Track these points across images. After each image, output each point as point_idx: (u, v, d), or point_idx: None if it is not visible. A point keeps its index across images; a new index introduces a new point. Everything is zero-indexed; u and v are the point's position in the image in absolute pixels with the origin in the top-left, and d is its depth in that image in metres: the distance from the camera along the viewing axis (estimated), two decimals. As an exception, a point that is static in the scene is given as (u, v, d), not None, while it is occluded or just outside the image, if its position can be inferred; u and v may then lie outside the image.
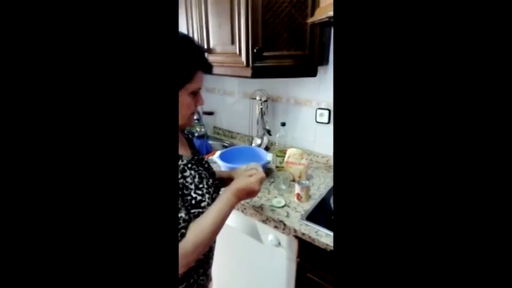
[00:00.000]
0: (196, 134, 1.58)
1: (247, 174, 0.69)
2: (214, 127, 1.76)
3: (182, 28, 1.26)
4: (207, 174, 0.69)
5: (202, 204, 0.62)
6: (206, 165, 0.74)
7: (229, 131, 1.68)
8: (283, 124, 1.21)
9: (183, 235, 0.54)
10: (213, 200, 0.65)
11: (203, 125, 1.63)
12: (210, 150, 1.48)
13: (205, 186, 0.65)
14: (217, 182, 0.75)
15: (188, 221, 0.56)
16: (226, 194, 0.64)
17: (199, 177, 0.64)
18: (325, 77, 1.18)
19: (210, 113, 1.70)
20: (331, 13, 0.76)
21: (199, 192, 0.62)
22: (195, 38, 1.22)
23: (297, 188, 0.97)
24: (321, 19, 0.83)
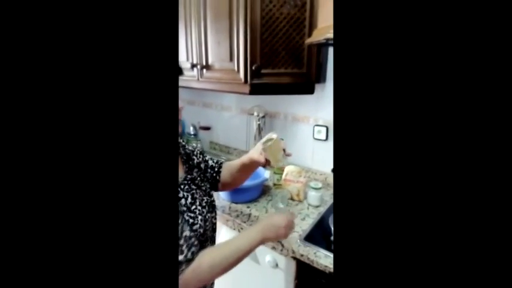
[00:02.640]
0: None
1: (284, 217, 0.65)
2: (211, 142, 1.75)
3: (181, 44, 1.27)
4: (200, 193, 0.68)
5: (194, 227, 0.60)
6: (199, 183, 0.72)
7: (226, 147, 1.67)
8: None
9: (194, 253, 0.54)
10: (205, 221, 0.63)
11: (199, 140, 1.62)
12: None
13: (198, 207, 0.63)
14: (212, 199, 0.73)
15: (193, 239, 0.55)
16: (252, 231, 0.62)
17: (191, 198, 0.63)
18: (323, 94, 1.19)
19: (207, 128, 1.70)
20: (328, 35, 0.77)
21: (192, 214, 0.61)
22: (194, 54, 1.23)
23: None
24: (318, 40, 0.84)
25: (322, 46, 1.02)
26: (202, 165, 0.78)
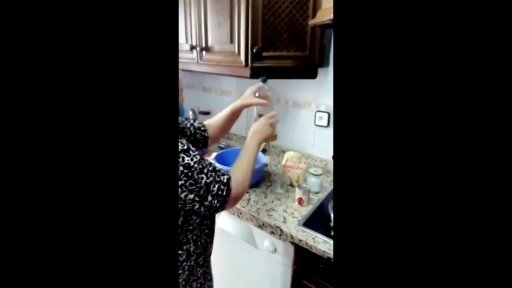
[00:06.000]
0: (192, 134, 1.54)
1: (266, 117, 0.79)
2: (211, 127, 1.73)
3: (180, 25, 1.23)
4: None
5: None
6: None
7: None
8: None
9: (230, 178, 0.66)
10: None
11: (199, 125, 1.60)
12: (205, 152, 1.45)
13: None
14: None
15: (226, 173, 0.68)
16: (251, 139, 0.75)
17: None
18: (325, 79, 1.16)
19: (207, 113, 1.67)
20: (333, 16, 0.74)
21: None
22: (193, 35, 1.19)
23: (298, 193, 0.95)
24: (322, 21, 0.81)
25: (326, 28, 0.99)
26: (191, 129, 0.84)
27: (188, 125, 0.84)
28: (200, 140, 0.87)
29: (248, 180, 0.71)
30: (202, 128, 0.87)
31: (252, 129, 0.76)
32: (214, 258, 0.81)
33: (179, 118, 0.83)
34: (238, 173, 0.69)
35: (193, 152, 0.60)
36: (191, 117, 1.62)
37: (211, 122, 0.91)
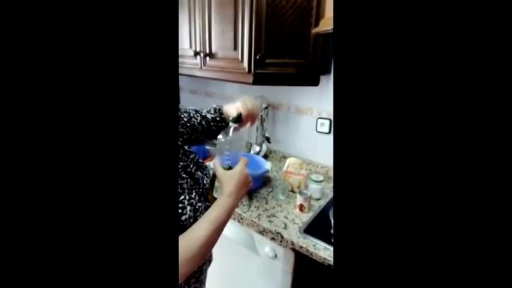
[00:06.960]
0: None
1: (244, 163, 0.61)
2: (213, 132, 1.74)
3: (184, 32, 1.25)
4: (191, 182, 0.61)
5: (183, 217, 0.54)
6: (192, 170, 0.65)
7: (227, 137, 1.66)
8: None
9: None
10: (195, 211, 0.57)
11: (201, 130, 1.61)
12: (207, 156, 1.46)
13: (187, 197, 0.57)
14: (203, 190, 0.65)
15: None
16: (221, 198, 0.57)
17: (180, 189, 0.57)
18: (327, 87, 1.18)
19: (209, 118, 1.68)
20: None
21: (180, 205, 0.55)
22: (197, 42, 1.21)
23: (300, 199, 0.95)
24: (325, 30, 0.82)
25: (328, 36, 1.00)
26: (203, 123, 0.76)
27: (199, 120, 0.75)
28: (217, 132, 0.76)
29: (197, 261, 0.50)
30: (218, 119, 0.76)
31: (229, 183, 0.57)
32: (214, 263, 0.81)
33: (190, 111, 0.78)
34: (185, 247, 0.48)
35: None
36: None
37: (228, 109, 0.77)
